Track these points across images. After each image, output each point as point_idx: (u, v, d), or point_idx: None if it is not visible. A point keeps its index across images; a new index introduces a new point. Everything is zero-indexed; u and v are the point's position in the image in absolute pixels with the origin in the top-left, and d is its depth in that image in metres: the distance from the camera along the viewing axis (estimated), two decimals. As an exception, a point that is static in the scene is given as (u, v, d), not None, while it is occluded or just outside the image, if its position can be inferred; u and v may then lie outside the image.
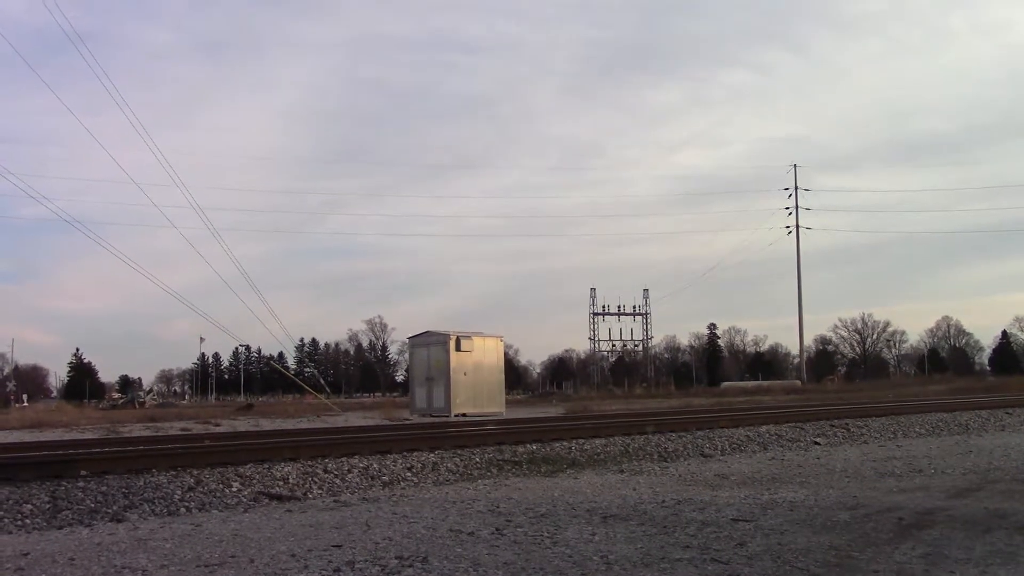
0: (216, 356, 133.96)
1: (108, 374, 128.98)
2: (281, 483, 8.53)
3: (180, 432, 18.99)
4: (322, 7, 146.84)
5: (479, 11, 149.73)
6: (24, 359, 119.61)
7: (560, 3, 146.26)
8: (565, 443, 12.09)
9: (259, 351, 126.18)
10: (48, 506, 7.16)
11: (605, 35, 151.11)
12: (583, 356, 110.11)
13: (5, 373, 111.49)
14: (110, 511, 7.16)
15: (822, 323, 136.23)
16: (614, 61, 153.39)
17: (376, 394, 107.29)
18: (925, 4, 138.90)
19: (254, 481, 8.48)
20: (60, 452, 10.43)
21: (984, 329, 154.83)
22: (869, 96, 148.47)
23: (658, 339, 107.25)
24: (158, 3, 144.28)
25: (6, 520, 6.73)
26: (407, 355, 39.71)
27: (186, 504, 7.54)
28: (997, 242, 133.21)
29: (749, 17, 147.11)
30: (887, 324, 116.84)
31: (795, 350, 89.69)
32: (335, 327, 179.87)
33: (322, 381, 71.34)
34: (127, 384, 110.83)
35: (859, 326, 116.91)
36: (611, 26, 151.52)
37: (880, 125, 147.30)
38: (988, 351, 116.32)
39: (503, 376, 29.06)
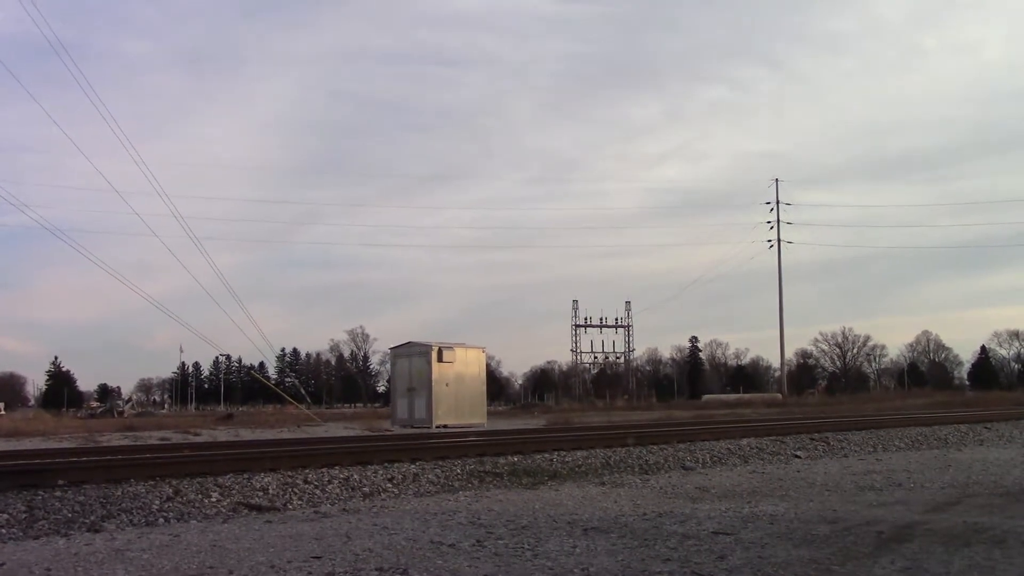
0: (196, 365, 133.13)
1: (87, 383, 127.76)
2: (261, 493, 8.48)
3: (159, 442, 18.85)
4: (303, 20, 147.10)
5: (460, 25, 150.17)
6: (1, 367, 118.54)
7: (541, 18, 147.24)
8: (546, 455, 12.09)
9: (240, 361, 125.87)
10: (24, 516, 7.08)
11: (585, 50, 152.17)
12: (565, 368, 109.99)
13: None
14: (87, 521, 7.08)
15: (803, 337, 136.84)
16: (594, 76, 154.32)
17: (357, 405, 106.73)
18: (898, 24, 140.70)
19: (233, 491, 8.42)
20: (37, 461, 10.33)
21: (963, 344, 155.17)
22: (846, 113, 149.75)
23: (640, 351, 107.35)
24: (138, 15, 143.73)
25: (-19, 530, 6.65)
26: (389, 366, 39.57)
27: (164, 514, 7.47)
28: (976, 257, 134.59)
29: (726, 34, 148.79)
30: (867, 338, 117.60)
31: (776, 363, 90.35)
32: (316, 337, 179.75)
33: (303, 391, 70.85)
34: (106, 393, 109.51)
35: (839, 340, 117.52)
36: (591, 41, 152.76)
37: (857, 141, 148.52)
38: (967, 366, 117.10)
39: (485, 387, 29.05)
